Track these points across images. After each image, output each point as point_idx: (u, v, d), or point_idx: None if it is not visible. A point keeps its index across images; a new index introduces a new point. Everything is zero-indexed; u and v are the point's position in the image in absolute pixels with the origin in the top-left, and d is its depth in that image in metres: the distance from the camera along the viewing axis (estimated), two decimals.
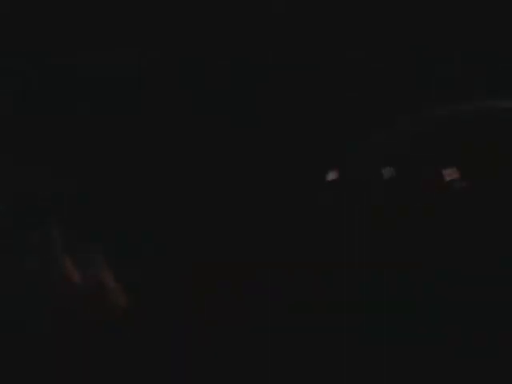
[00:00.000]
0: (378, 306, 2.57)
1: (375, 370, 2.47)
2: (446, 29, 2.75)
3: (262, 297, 2.61)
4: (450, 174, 2.58)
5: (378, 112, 2.77)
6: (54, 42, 2.77)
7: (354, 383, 2.47)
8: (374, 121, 2.77)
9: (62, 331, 2.56)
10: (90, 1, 2.76)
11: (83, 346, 2.53)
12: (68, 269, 2.62)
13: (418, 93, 2.77)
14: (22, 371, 2.51)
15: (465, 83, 2.75)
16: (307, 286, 2.63)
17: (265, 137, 2.75)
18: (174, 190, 2.74)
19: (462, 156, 2.59)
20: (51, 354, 2.53)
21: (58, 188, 2.74)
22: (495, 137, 2.65)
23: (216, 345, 2.55)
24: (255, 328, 2.56)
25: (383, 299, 2.58)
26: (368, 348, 2.49)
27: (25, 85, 2.77)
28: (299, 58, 2.78)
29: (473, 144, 2.61)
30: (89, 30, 2.77)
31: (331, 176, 2.72)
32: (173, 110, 2.77)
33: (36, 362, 2.52)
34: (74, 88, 2.77)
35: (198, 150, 2.76)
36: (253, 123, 2.77)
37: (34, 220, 2.70)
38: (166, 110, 2.77)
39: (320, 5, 2.77)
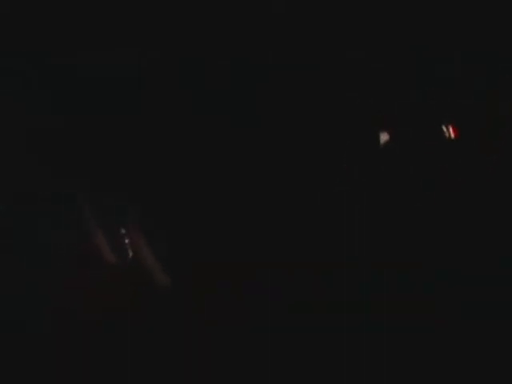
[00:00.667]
0: (378, 306, 2.57)
1: (375, 370, 2.47)
2: (446, 29, 2.75)
3: (262, 297, 2.61)
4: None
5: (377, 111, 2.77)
6: (54, 41, 2.77)
7: (353, 383, 2.47)
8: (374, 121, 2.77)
9: (62, 331, 2.56)
10: (89, 1, 2.76)
11: (83, 346, 2.53)
12: (103, 247, 2.64)
13: (417, 92, 2.77)
14: (22, 371, 2.51)
15: (465, 83, 2.75)
16: (307, 286, 2.63)
17: (265, 137, 2.76)
18: (174, 189, 2.74)
19: None
20: (51, 354, 2.53)
21: (58, 187, 2.74)
22: None
23: (216, 345, 2.55)
24: (255, 328, 2.57)
25: (383, 299, 2.58)
26: (368, 348, 2.49)
27: (25, 85, 2.77)
28: (299, 58, 2.78)
29: None
30: (89, 30, 2.77)
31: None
32: (173, 109, 2.77)
33: (36, 362, 2.52)
34: (73, 88, 2.77)
35: (197, 149, 2.76)
36: (253, 123, 2.77)
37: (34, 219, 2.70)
38: (165, 110, 2.77)
39: (320, 5, 2.77)
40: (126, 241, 2.67)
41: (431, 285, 2.60)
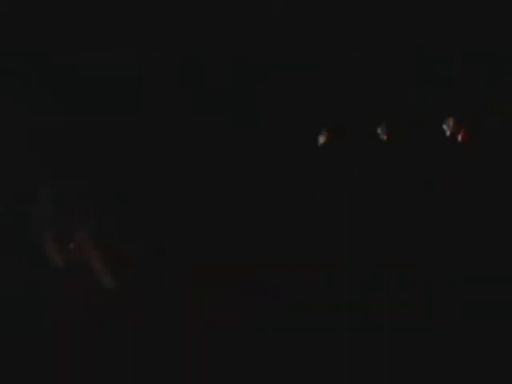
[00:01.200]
0: (378, 306, 2.57)
1: (375, 370, 2.47)
2: (445, 29, 2.75)
3: (262, 297, 2.61)
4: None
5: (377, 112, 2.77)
6: (54, 41, 2.77)
7: (353, 383, 2.47)
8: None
9: (62, 331, 2.56)
10: (89, 1, 2.76)
11: (83, 346, 2.53)
12: (52, 251, 2.63)
13: (417, 92, 2.77)
14: (22, 371, 2.51)
15: (465, 83, 2.75)
16: (307, 286, 2.63)
17: (265, 137, 2.75)
18: (174, 189, 2.74)
19: None
20: (51, 354, 2.53)
21: (58, 187, 2.74)
22: None
23: (216, 345, 2.55)
24: (255, 328, 2.57)
25: (383, 299, 2.58)
26: (368, 348, 2.50)
27: (25, 85, 2.77)
28: (299, 58, 2.78)
29: None
30: (89, 30, 2.77)
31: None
32: (173, 109, 2.77)
33: (36, 362, 2.52)
34: (73, 88, 2.77)
35: (197, 149, 2.76)
36: (253, 123, 2.77)
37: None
38: (165, 110, 2.77)
39: (320, 5, 2.77)
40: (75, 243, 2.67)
41: (431, 285, 2.60)
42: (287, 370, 2.51)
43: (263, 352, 2.53)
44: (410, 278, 2.61)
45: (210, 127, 2.76)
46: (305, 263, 2.64)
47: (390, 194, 2.70)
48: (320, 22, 2.78)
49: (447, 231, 2.66)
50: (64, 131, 2.76)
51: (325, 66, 2.78)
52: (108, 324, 2.58)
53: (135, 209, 2.73)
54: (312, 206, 2.72)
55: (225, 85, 2.79)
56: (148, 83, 2.78)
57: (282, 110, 2.78)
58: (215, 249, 2.67)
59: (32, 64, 2.77)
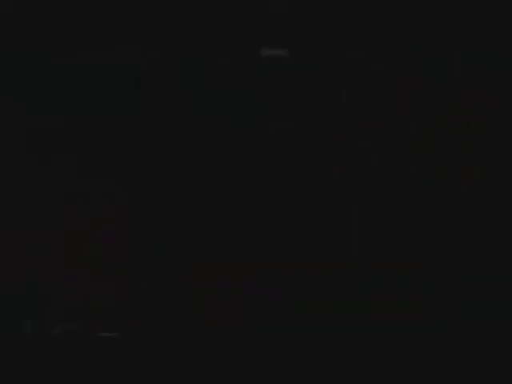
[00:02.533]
0: (378, 306, 2.57)
1: (375, 370, 2.47)
2: (446, 29, 2.76)
3: (262, 297, 2.61)
4: None
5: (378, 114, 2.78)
6: (54, 41, 2.77)
7: (353, 383, 2.47)
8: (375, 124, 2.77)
9: (62, 331, 2.56)
10: (89, 1, 2.77)
11: (83, 346, 2.53)
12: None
13: (418, 92, 2.78)
14: (21, 371, 2.51)
15: (465, 83, 2.75)
16: (307, 286, 2.63)
17: (265, 137, 2.76)
18: (174, 189, 2.74)
19: None
20: (51, 354, 2.53)
21: (56, 187, 2.74)
22: None
23: (216, 345, 2.55)
24: (255, 328, 2.57)
25: (383, 299, 2.58)
26: (368, 348, 2.50)
27: (25, 85, 2.77)
28: (299, 57, 2.78)
29: None
30: (89, 30, 2.77)
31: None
32: (173, 109, 2.77)
33: (36, 362, 2.52)
34: (74, 88, 2.77)
35: (197, 149, 2.76)
36: (253, 123, 2.77)
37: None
38: (165, 110, 2.77)
39: (320, 5, 2.77)
40: None
41: (431, 285, 2.60)
42: (287, 370, 2.51)
43: (263, 352, 2.53)
44: (410, 278, 2.61)
45: (209, 127, 2.76)
46: (305, 263, 2.65)
47: (390, 193, 2.70)
48: (320, 22, 2.78)
49: (447, 231, 2.66)
50: (64, 131, 2.77)
51: (325, 65, 2.79)
52: (108, 324, 2.58)
53: (135, 208, 2.73)
54: (312, 205, 2.72)
55: (225, 85, 2.79)
56: (148, 83, 2.78)
57: (282, 110, 2.78)
58: (215, 249, 2.67)
59: (32, 64, 2.77)
